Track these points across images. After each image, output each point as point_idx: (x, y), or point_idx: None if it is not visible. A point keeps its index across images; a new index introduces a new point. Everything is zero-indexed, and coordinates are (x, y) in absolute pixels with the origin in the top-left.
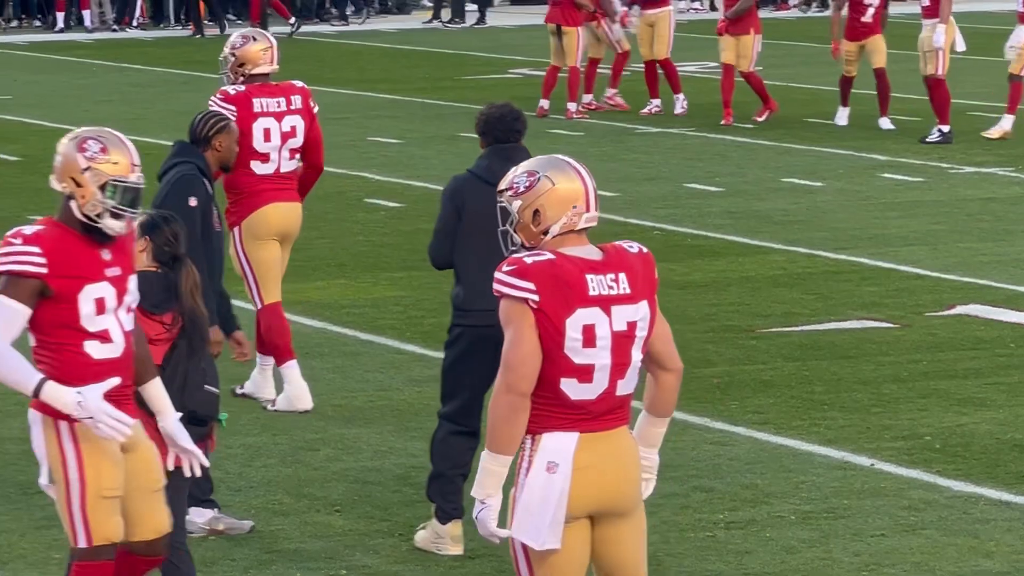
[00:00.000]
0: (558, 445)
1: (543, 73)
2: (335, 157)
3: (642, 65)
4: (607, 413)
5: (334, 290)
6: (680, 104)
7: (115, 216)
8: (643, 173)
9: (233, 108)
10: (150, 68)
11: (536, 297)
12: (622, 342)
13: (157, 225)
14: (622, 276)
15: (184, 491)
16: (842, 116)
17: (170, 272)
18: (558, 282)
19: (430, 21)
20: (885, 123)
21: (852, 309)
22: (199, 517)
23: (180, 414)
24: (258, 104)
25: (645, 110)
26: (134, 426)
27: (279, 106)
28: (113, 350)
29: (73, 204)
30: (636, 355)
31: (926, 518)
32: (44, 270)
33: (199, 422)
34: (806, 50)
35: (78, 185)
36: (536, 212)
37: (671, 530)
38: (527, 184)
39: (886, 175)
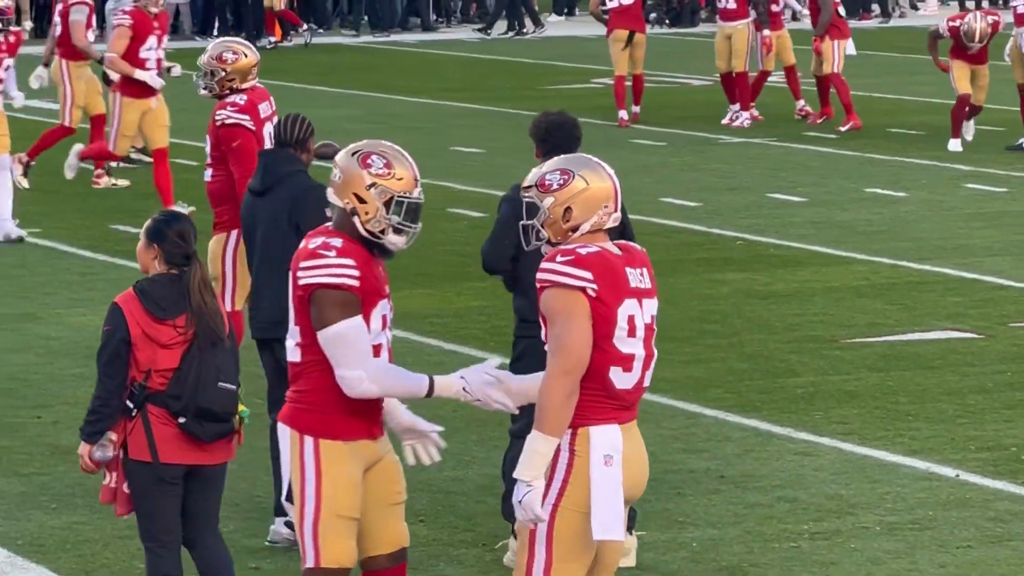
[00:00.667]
0: (608, 438)
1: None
2: (417, 166)
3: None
4: (635, 404)
5: (418, 300)
6: (742, 120)
7: (397, 232)
8: (725, 183)
9: (248, 117)
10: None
11: (595, 286)
12: (648, 334)
13: (161, 230)
14: (644, 271)
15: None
16: (955, 144)
17: (182, 273)
18: (609, 272)
19: (507, 32)
20: (968, 130)
21: (936, 320)
22: (284, 528)
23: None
24: (260, 110)
25: (726, 120)
26: (382, 439)
27: (268, 109)
28: None
29: (356, 220)
30: (654, 348)
31: (1012, 529)
32: (357, 283)
33: (218, 419)
34: (888, 60)
35: (361, 201)
36: (568, 210)
37: (755, 540)
38: (560, 182)
39: (970, 185)
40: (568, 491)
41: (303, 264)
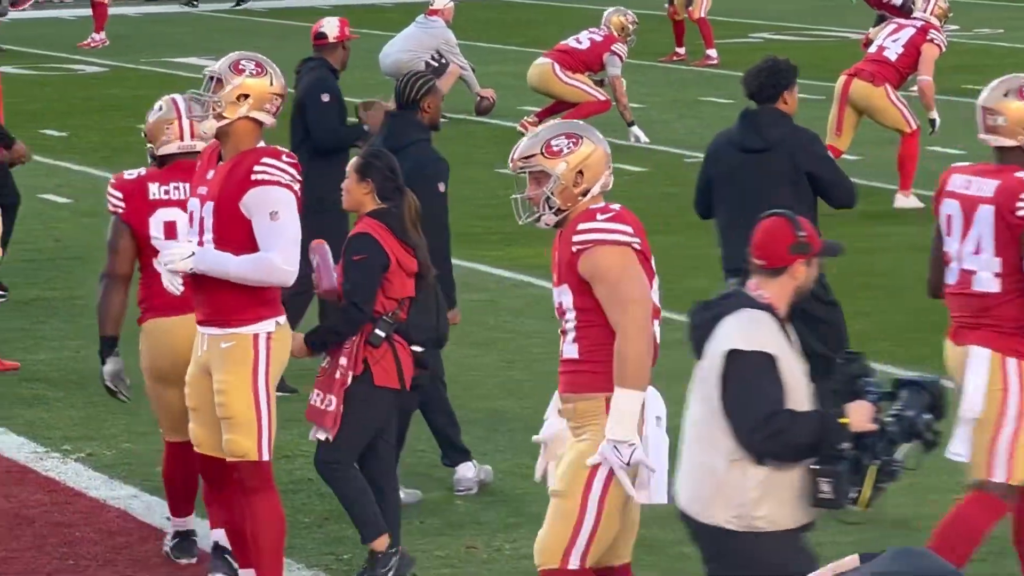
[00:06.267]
0: (656, 400)
1: (785, 37)
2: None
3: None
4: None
5: None
6: None
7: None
8: (886, 136)
9: None
10: (390, 34)
11: (637, 240)
12: None
13: (372, 165)
14: None
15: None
16: None
17: (394, 206)
18: (639, 227)
19: None
20: None
21: None
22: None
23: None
24: None
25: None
26: None
27: None
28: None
29: None
30: None
31: None
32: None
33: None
34: None
35: None
36: (580, 173)
37: (921, 494)
38: (571, 146)
39: None
40: None
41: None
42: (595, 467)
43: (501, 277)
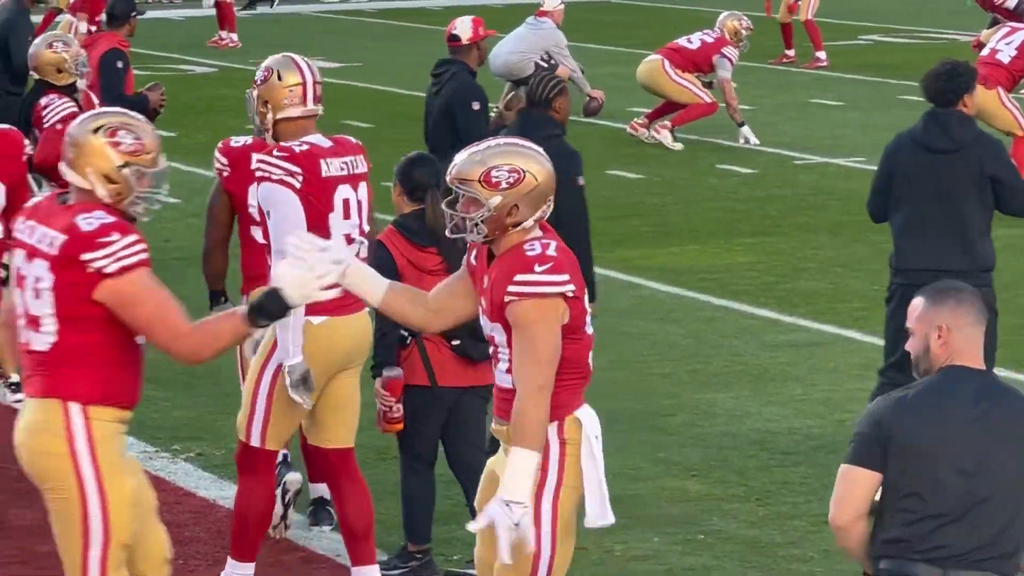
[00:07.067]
0: (593, 420)
1: (894, 39)
2: (688, 125)
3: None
4: None
5: (687, 256)
6: None
7: None
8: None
9: None
10: (499, 35)
11: (572, 286)
12: None
13: (403, 168)
14: None
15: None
16: None
17: (422, 209)
18: (574, 265)
19: None
20: None
21: None
22: None
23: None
24: None
25: None
26: None
27: None
28: None
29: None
30: None
31: None
32: None
33: (483, 339)
34: None
35: None
36: (515, 207)
37: None
38: (511, 181)
39: None
40: (565, 480)
41: None
42: (539, 491)
43: (610, 278)
